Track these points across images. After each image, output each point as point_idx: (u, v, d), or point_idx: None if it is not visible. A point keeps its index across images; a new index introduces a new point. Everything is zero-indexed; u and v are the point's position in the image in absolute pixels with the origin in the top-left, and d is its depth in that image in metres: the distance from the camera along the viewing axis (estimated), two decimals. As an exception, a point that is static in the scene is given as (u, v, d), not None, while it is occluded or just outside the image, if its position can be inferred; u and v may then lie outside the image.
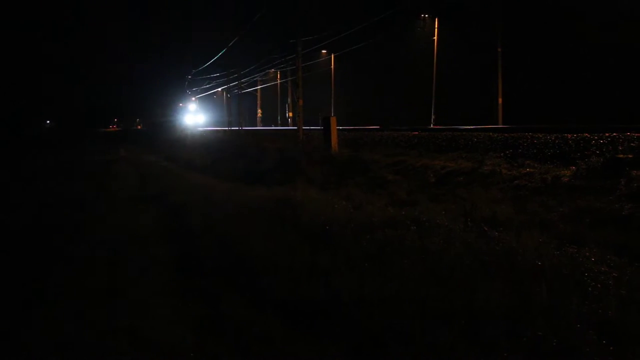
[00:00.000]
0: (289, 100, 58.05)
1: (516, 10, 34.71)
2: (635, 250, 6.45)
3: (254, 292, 6.01)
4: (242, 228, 8.46)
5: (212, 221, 9.41)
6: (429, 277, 5.57)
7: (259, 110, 71.32)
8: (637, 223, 7.68)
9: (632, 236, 7.13)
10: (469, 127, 23.04)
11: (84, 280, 6.90)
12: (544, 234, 7.09)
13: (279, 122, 68.43)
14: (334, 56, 53.93)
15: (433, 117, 38.97)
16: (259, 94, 69.23)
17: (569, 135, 13.58)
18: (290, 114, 57.95)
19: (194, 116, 69.09)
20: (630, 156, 10.33)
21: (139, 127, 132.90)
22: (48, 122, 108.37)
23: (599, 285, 5.11)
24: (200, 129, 60.15)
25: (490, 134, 17.25)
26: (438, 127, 30.95)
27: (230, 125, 51.58)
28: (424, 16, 41.78)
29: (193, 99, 72.02)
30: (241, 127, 45.92)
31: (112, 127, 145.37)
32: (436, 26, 40.06)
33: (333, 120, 21.95)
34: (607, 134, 12.67)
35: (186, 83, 72.43)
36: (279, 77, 64.31)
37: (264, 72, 56.76)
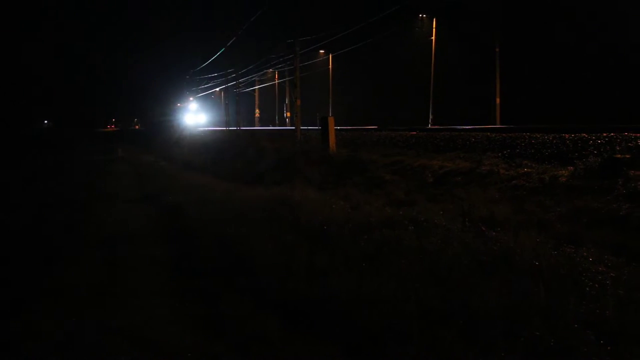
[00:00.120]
0: (287, 100, 58.06)
1: (515, 10, 34.76)
2: (633, 250, 6.48)
3: (253, 292, 6.02)
4: (241, 228, 8.45)
5: (211, 221, 9.40)
6: (427, 277, 5.58)
7: (257, 111, 71.21)
8: (634, 223, 7.69)
9: (630, 236, 7.15)
10: (466, 127, 23.08)
11: (83, 280, 6.91)
12: (541, 234, 7.10)
13: (277, 122, 68.34)
14: (332, 56, 53.91)
15: (431, 117, 38.97)
16: (256, 94, 69.14)
17: (567, 135, 13.61)
18: (288, 114, 57.96)
19: (195, 116, 68.64)
20: (627, 156, 10.35)
21: (137, 127, 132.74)
22: (46, 122, 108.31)
23: (596, 285, 5.13)
24: (202, 129, 59.98)
25: (488, 134, 17.28)
26: (436, 127, 30.97)
27: (228, 125, 51.52)
28: (422, 16, 41.78)
29: (191, 98, 71.80)
30: (239, 127, 45.86)
31: (110, 127, 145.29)
32: (434, 26, 40.09)
33: (331, 120, 21.96)
34: (604, 134, 12.70)
35: (184, 83, 72.38)
36: (277, 77, 64.31)
37: (262, 72, 56.73)
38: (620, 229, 7.55)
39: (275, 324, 5.19)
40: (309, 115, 40.78)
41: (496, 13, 34.08)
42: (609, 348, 4.06)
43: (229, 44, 39.71)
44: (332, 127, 21.52)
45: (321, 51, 52.29)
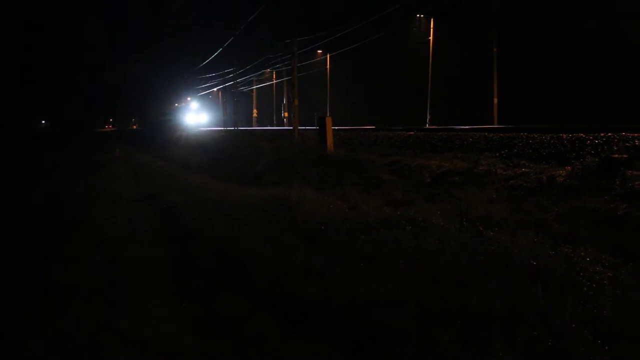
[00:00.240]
0: (284, 100, 58.05)
1: (513, 10, 34.76)
2: (631, 250, 6.48)
3: (251, 292, 6.02)
4: (239, 228, 8.46)
5: (209, 221, 9.40)
6: (425, 277, 5.59)
7: (255, 110, 71.18)
8: (632, 223, 7.71)
9: (627, 236, 7.16)
10: (464, 127, 23.11)
11: (83, 280, 6.89)
12: (539, 234, 7.12)
13: (275, 122, 68.33)
14: (330, 56, 53.92)
15: (428, 117, 39.00)
16: (254, 94, 69.13)
17: (564, 136, 13.64)
18: (286, 114, 57.94)
19: (196, 115, 68.30)
20: (625, 156, 10.36)
21: (135, 127, 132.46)
22: (43, 122, 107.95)
23: (594, 285, 5.14)
24: (202, 129, 59.86)
25: (486, 134, 17.29)
26: (433, 127, 31.00)
27: (226, 125, 51.53)
28: (420, 16, 41.82)
29: (188, 98, 71.72)
30: (237, 127, 45.86)
31: (108, 127, 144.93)
32: (432, 26, 40.13)
33: (328, 120, 21.96)
34: (602, 134, 12.73)
35: (183, 83, 72.28)
36: (274, 77, 64.31)
37: (260, 72, 56.74)
38: (617, 229, 7.56)
39: (273, 324, 5.19)
40: (307, 115, 40.82)
41: (494, 13, 34.09)
42: (606, 348, 4.07)
43: (227, 43, 39.75)
44: (330, 127, 21.53)
45: (319, 51, 52.31)
